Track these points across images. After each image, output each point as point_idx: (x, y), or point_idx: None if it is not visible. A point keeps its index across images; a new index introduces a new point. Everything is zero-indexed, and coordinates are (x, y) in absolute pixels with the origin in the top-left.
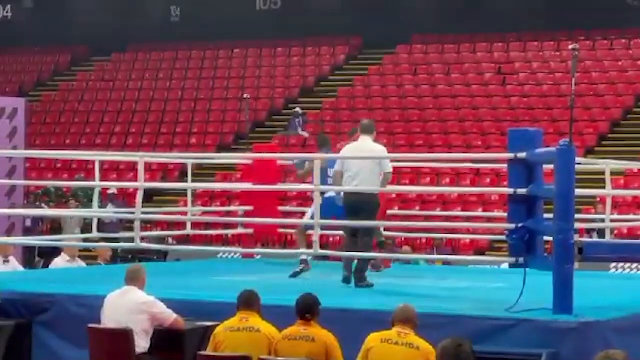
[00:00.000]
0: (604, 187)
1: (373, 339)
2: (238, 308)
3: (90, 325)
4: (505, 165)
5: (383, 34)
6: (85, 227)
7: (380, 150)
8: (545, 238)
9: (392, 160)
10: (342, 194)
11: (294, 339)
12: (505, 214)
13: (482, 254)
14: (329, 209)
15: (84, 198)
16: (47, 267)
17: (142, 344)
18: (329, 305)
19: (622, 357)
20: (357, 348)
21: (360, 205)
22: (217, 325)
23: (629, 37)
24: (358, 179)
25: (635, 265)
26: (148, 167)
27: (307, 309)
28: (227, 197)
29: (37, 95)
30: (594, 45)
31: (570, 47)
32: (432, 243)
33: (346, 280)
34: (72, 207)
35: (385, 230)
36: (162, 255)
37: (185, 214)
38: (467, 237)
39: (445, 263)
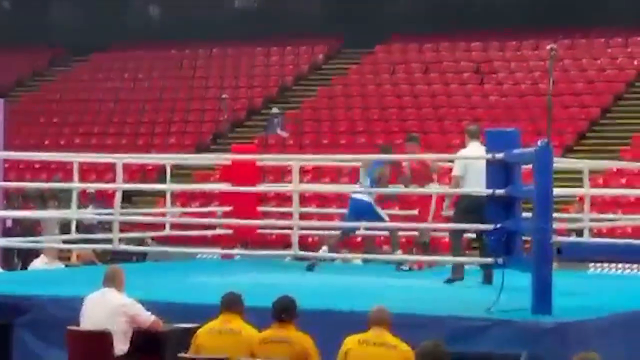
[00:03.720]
0: (582, 186)
1: (350, 341)
2: (221, 310)
3: (69, 327)
4: None
5: (362, 33)
6: (65, 228)
7: None
8: (524, 238)
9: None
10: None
11: (271, 342)
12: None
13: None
14: (359, 210)
15: (63, 199)
16: (26, 268)
17: (120, 346)
18: (308, 307)
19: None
20: (335, 350)
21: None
22: (196, 327)
23: (607, 36)
24: (481, 182)
25: (613, 264)
26: (127, 167)
27: (283, 310)
28: (207, 198)
29: (16, 95)
30: (572, 44)
31: (548, 47)
32: (412, 242)
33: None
34: (52, 207)
35: (365, 229)
36: (141, 256)
37: (164, 214)
38: (447, 237)
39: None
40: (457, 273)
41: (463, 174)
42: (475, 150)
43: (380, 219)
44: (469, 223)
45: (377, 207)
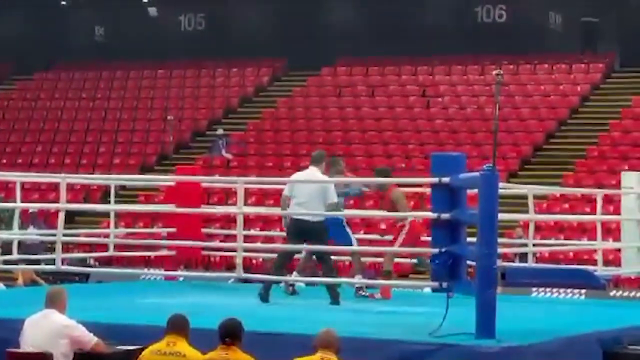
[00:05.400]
0: (526, 211)
1: None
2: (166, 332)
3: (8, 349)
4: (429, 189)
5: (308, 55)
6: (5, 248)
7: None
8: (469, 262)
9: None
10: (289, 218)
11: None
12: (429, 238)
13: (406, 277)
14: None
15: (6, 218)
16: None
17: None
18: (254, 328)
19: None
20: None
21: (310, 230)
22: (140, 348)
23: (551, 61)
24: (305, 205)
25: (556, 289)
26: (70, 187)
27: (228, 333)
28: (151, 218)
29: None
30: (517, 70)
31: (494, 72)
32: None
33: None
34: None
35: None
36: (84, 277)
37: (108, 235)
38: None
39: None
40: (335, 296)
41: (288, 195)
42: (307, 174)
43: (347, 239)
44: (295, 244)
45: (346, 227)
